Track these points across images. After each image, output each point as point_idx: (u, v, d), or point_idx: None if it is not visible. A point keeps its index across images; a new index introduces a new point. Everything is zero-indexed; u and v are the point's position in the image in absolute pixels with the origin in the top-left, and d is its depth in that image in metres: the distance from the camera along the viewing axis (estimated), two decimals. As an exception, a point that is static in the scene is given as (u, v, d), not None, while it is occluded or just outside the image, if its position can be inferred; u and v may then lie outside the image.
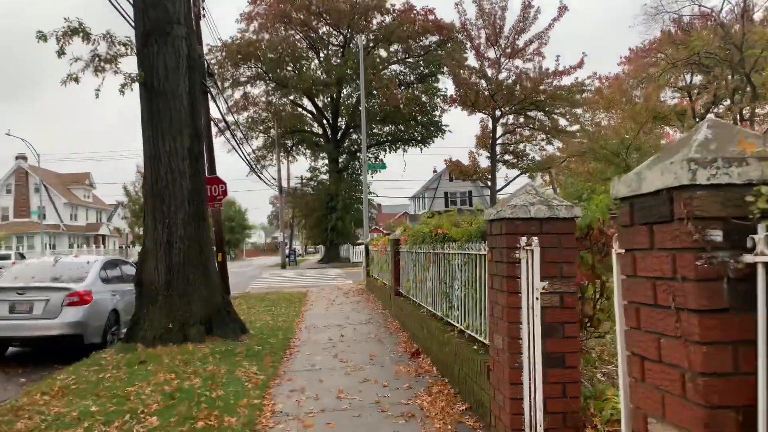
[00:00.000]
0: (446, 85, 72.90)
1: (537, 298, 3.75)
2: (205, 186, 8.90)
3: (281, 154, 47.08)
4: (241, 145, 46.08)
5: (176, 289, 8.20)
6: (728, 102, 39.50)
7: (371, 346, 8.16)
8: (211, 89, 20.07)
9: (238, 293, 18.26)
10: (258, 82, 45.11)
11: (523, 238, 3.92)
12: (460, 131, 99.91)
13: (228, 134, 35.98)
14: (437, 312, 6.98)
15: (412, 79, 45.90)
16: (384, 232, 41.33)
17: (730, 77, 36.54)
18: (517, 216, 3.95)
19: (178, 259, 8.26)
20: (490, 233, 4.37)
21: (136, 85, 8.56)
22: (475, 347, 5.11)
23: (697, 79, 41.61)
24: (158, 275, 8.25)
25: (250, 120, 46.13)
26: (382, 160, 44.18)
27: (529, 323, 3.86)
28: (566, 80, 36.81)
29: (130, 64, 8.29)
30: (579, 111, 39.09)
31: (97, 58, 7.97)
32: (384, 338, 8.76)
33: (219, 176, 17.35)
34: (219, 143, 52.85)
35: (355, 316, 11.40)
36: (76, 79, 8.33)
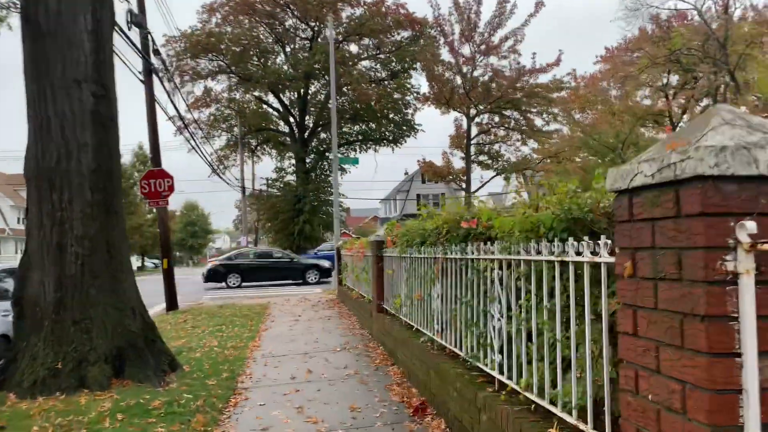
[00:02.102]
0: (419, 82, 71.33)
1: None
2: (119, 166, 6.41)
3: (245, 153, 44.43)
4: (202, 145, 43.32)
5: (71, 310, 5.71)
6: (706, 102, 38.38)
7: (351, 391, 5.79)
8: (159, 70, 17.49)
9: (188, 305, 15.67)
10: (220, 76, 42.32)
11: (749, 225, 1.64)
12: (433, 132, 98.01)
13: (188, 132, 33.17)
14: (454, 348, 4.67)
15: (383, 75, 43.69)
16: (354, 236, 39.05)
17: (712, 76, 35.35)
18: (729, 172, 1.67)
19: (75, 269, 5.77)
20: (629, 217, 2.06)
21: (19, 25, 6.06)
22: (554, 432, 2.80)
23: (674, 79, 40.46)
24: (45, 291, 5.75)
25: (212, 118, 43.29)
26: (355, 151, 42.17)
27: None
28: (543, 78, 35.69)
29: None
30: (556, 110, 37.71)
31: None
32: (368, 376, 6.40)
33: (165, 169, 14.83)
34: (179, 142, 49.75)
35: (326, 339, 9.00)
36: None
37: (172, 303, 14.49)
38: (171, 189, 14.35)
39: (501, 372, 3.62)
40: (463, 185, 38.75)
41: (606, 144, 23.12)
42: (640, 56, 38.33)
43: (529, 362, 3.22)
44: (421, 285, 5.82)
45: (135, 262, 62.34)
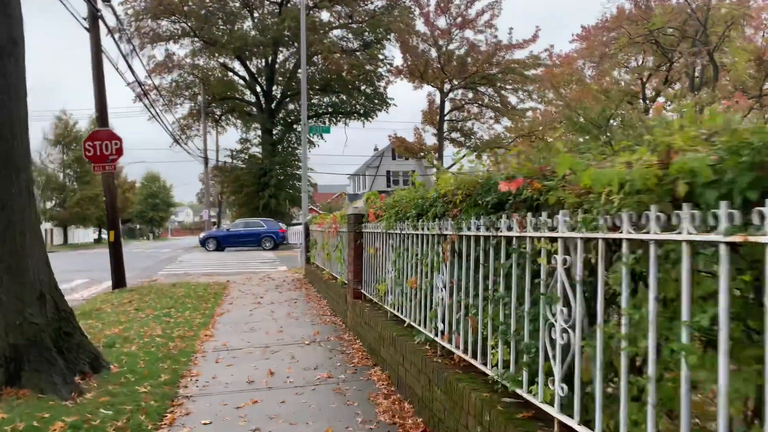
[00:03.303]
0: (393, 54, 69.78)
1: None
2: (23, 107, 4.88)
3: (209, 123, 42.28)
4: (164, 113, 41.03)
5: (-51, 297, 4.26)
6: (679, 86, 37.83)
7: (325, 404, 4.49)
8: (116, 30, 15.68)
9: (140, 282, 14.15)
10: (183, 40, 39.91)
11: None
12: (405, 108, 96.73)
13: (148, 99, 30.95)
14: (469, 358, 3.41)
15: (355, 45, 41.88)
16: (321, 212, 37.62)
17: (691, 57, 34.74)
18: None
19: (-45, 240, 4.30)
20: None
21: None
22: None
23: (650, 60, 39.81)
24: None
25: (174, 84, 40.95)
26: (324, 124, 40.50)
27: None
28: (519, 54, 34.88)
29: None
30: (531, 88, 36.87)
31: None
32: (345, 381, 5.10)
33: (112, 130, 13.19)
34: (139, 109, 47.23)
35: (292, 328, 7.67)
36: None
37: (119, 280, 12.94)
38: (119, 152, 12.76)
39: (566, 411, 2.37)
40: (435, 162, 37.68)
41: (591, 120, 22.11)
42: (617, 36, 37.55)
43: (634, 403, 1.96)
44: (417, 269, 4.54)
45: (92, 234, 59.61)
